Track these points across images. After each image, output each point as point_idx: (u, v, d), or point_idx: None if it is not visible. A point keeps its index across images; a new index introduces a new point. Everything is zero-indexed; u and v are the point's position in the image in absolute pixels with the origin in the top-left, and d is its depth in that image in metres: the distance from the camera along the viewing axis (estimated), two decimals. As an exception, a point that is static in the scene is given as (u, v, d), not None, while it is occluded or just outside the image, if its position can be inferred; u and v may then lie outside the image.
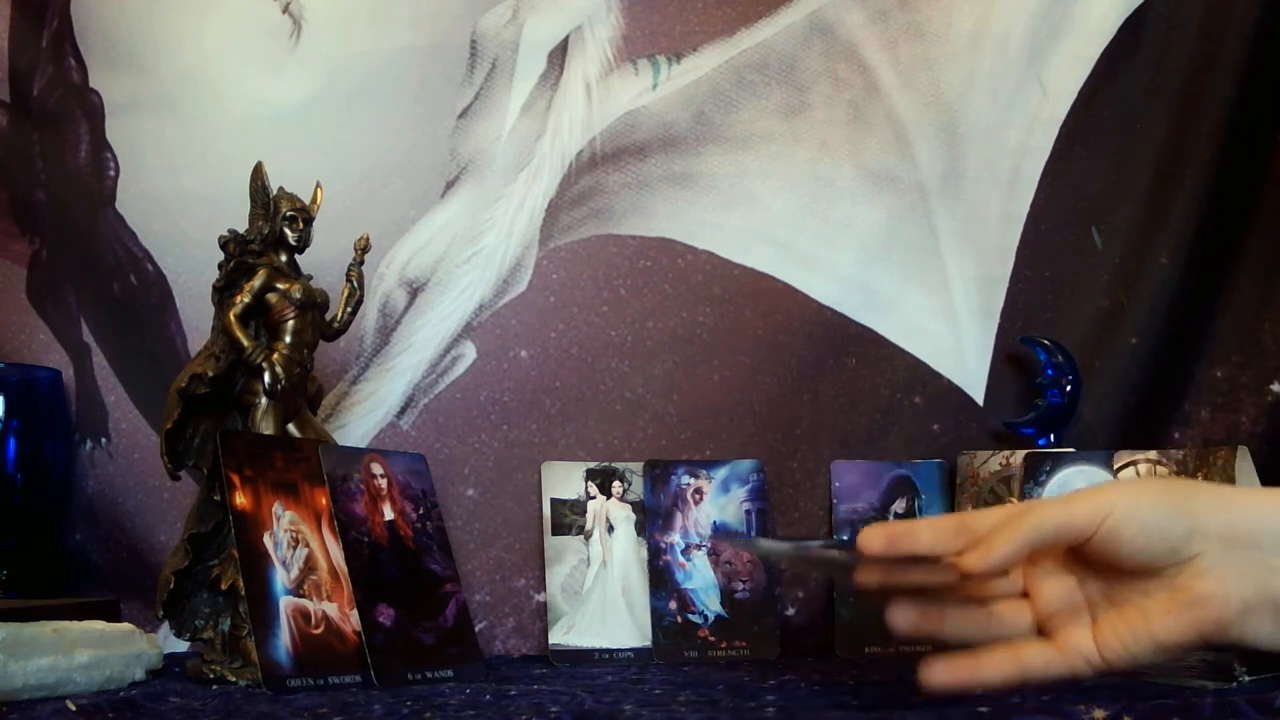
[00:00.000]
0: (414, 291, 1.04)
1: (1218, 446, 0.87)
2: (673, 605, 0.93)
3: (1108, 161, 1.08)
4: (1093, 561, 0.54)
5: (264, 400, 0.81)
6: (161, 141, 1.05)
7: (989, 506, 0.94)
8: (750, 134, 1.07)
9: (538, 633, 0.98)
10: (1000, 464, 0.96)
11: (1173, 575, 0.52)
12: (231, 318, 0.81)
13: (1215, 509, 0.52)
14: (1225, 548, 0.51)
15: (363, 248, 0.88)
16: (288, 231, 0.84)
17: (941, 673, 0.53)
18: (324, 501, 0.80)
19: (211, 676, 0.76)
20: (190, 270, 1.04)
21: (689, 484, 0.97)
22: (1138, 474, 0.89)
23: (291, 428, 0.83)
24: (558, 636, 0.91)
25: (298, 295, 0.83)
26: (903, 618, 0.54)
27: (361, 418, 1.03)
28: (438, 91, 1.06)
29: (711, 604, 0.94)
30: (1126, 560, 0.52)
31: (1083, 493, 0.53)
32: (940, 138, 1.07)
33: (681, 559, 0.95)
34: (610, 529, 0.95)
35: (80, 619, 0.70)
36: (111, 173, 1.05)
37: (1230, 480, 0.84)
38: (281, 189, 0.85)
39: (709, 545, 0.96)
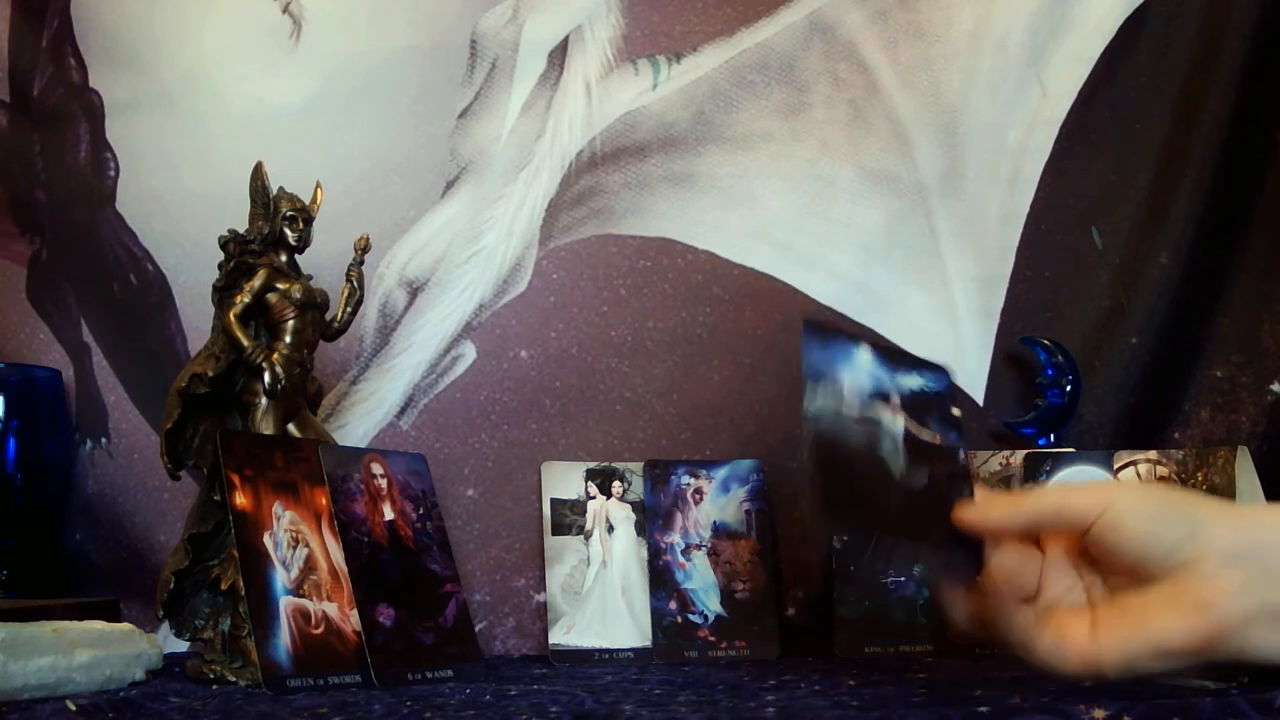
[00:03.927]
0: (414, 291, 1.04)
1: (1218, 446, 0.87)
2: (673, 605, 0.93)
3: (1108, 161, 1.08)
4: (1095, 556, 0.54)
5: (264, 400, 0.81)
6: (161, 141, 1.05)
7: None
8: (750, 134, 1.07)
9: (538, 633, 0.98)
10: (1000, 464, 0.96)
11: (1172, 581, 0.52)
12: (231, 318, 0.81)
13: (1218, 521, 0.52)
14: (1226, 560, 0.51)
15: (363, 248, 0.88)
16: (288, 231, 0.84)
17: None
18: (324, 501, 0.80)
19: (211, 676, 0.76)
20: (190, 270, 1.04)
21: (689, 484, 0.97)
22: (1138, 475, 0.89)
23: (291, 428, 0.83)
24: (558, 636, 0.91)
25: (298, 295, 0.83)
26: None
27: (361, 418, 1.03)
28: (438, 91, 1.06)
29: (711, 604, 0.94)
30: (1124, 555, 0.52)
31: (1091, 483, 0.55)
32: (940, 138, 1.07)
33: (681, 559, 0.95)
34: (610, 529, 0.95)
35: (80, 619, 0.70)
36: (111, 173, 1.05)
37: (1230, 480, 0.84)
38: (281, 189, 0.85)
39: (709, 545, 0.96)
